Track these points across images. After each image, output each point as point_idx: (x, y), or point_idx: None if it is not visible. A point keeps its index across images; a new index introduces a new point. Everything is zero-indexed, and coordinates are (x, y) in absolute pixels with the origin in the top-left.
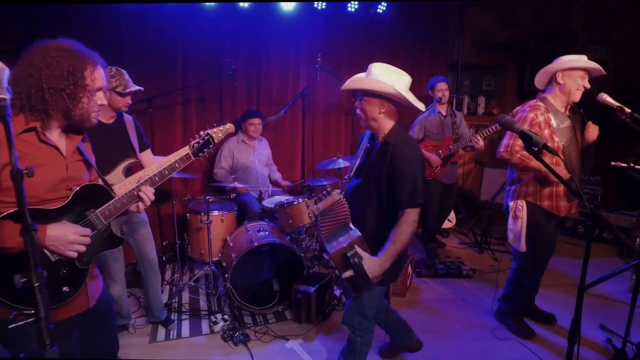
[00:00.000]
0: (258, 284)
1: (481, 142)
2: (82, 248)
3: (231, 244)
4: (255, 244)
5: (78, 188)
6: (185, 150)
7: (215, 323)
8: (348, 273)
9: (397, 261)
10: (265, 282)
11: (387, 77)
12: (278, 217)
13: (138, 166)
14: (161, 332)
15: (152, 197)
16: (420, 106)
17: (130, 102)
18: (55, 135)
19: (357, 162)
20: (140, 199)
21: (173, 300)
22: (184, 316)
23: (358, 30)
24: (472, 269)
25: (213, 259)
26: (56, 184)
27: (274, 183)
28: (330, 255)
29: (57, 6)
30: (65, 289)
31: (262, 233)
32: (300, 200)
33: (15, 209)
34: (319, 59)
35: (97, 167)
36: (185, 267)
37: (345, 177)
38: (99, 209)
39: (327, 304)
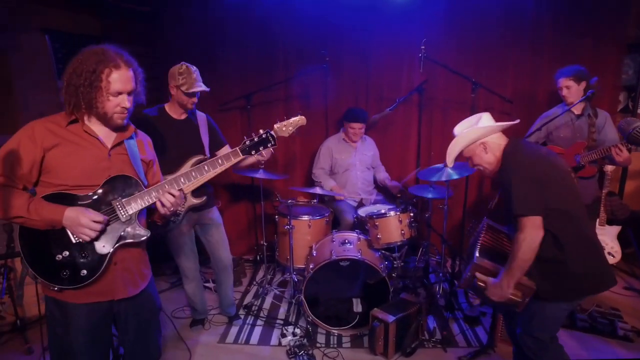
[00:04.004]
0: (337, 301)
1: (625, 154)
2: (92, 233)
3: (314, 253)
4: (334, 257)
5: (110, 177)
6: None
7: (284, 335)
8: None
9: (566, 277)
10: (345, 301)
11: (467, 126)
12: (368, 230)
13: None
14: (232, 333)
15: (171, 199)
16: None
17: (196, 101)
18: (99, 128)
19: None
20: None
21: (255, 303)
22: (259, 321)
23: (488, 13)
24: (634, 328)
25: (299, 267)
26: (95, 172)
27: (381, 185)
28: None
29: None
30: (83, 272)
31: (346, 246)
32: (393, 213)
33: (53, 192)
34: (423, 47)
35: (159, 164)
36: (276, 270)
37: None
38: (125, 199)
39: (412, 338)
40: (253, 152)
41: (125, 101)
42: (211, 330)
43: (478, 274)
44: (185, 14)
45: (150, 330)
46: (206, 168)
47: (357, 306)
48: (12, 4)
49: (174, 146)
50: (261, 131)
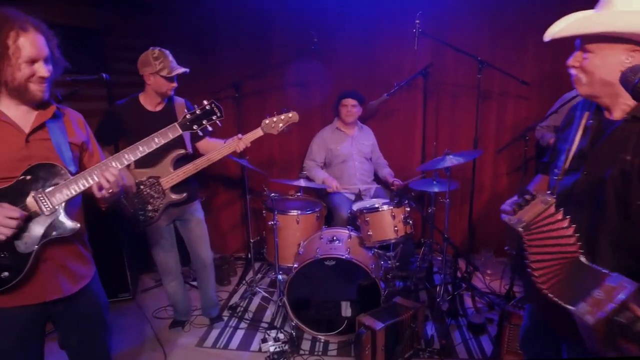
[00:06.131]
0: (325, 304)
1: None
2: (7, 231)
3: (301, 251)
4: (318, 256)
5: (30, 166)
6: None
7: (265, 341)
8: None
9: None
10: (333, 304)
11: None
12: (359, 226)
13: (194, 157)
14: (212, 337)
15: (111, 178)
16: None
17: (176, 85)
18: (13, 110)
19: (573, 150)
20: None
21: (240, 304)
22: (242, 324)
23: None
24: None
25: (288, 265)
26: (11, 163)
27: (384, 181)
28: (589, 327)
29: None
30: (4, 274)
31: (334, 244)
32: (385, 207)
33: None
34: (417, 21)
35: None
36: (269, 269)
37: (555, 172)
38: (47, 190)
39: (405, 347)
40: (195, 127)
41: (42, 69)
42: (191, 332)
43: (633, 306)
44: (179, 3)
45: (96, 331)
46: (140, 148)
47: (346, 310)
48: None
49: None
50: (205, 102)
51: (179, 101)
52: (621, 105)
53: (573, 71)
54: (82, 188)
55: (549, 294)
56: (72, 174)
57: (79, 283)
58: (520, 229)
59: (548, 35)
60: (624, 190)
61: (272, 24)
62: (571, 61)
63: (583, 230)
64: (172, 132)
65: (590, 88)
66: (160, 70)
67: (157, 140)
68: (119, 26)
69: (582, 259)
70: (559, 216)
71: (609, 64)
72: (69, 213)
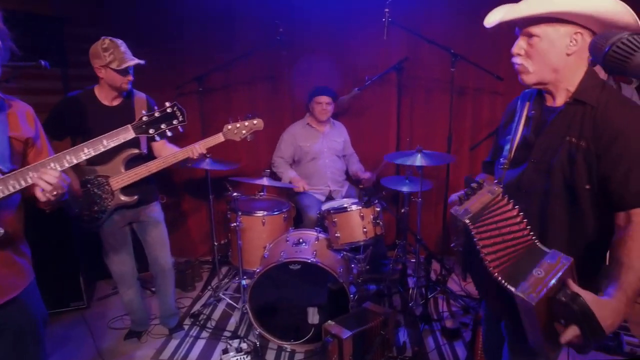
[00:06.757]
0: (291, 311)
1: None
2: None
3: (266, 255)
4: (282, 259)
5: None
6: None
7: (226, 352)
8: (571, 333)
9: None
10: (300, 311)
11: None
12: (327, 227)
13: (148, 158)
14: (170, 348)
15: (52, 181)
16: None
17: (131, 78)
18: None
19: (517, 139)
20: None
21: (203, 311)
22: (204, 333)
23: None
24: None
25: (253, 270)
26: None
27: (354, 178)
28: (531, 309)
29: None
30: None
31: (300, 246)
32: (354, 207)
33: None
34: (387, 10)
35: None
36: (236, 274)
37: (501, 161)
38: None
39: (375, 355)
40: (152, 131)
41: None
42: (148, 343)
43: (571, 283)
44: None
45: (25, 347)
46: (85, 150)
47: (313, 317)
48: None
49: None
50: (167, 104)
51: (140, 96)
52: (563, 91)
53: (517, 60)
54: (12, 190)
55: (496, 275)
56: (4, 173)
57: (5, 295)
58: (467, 221)
59: (488, 23)
60: (571, 174)
61: (238, 15)
62: (515, 49)
63: (535, 220)
64: (123, 134)
65: (537, 76)
66: (110, 63)
67: (106, 143)
68: (79, 16)
69: (538, 243)
70: (509, 206)
71: (554, 48)
72: None
